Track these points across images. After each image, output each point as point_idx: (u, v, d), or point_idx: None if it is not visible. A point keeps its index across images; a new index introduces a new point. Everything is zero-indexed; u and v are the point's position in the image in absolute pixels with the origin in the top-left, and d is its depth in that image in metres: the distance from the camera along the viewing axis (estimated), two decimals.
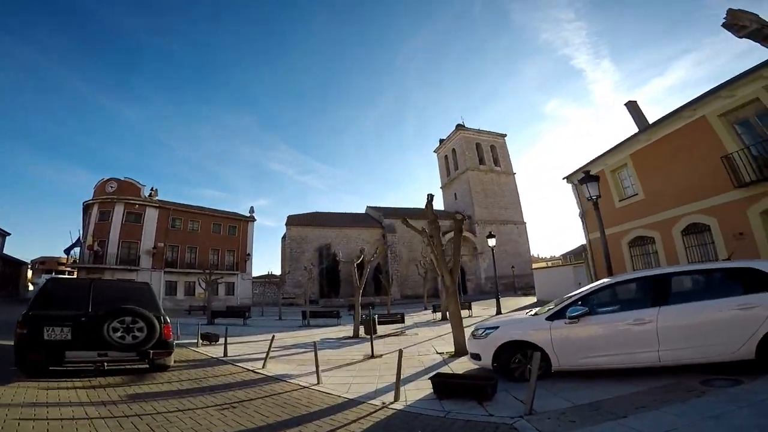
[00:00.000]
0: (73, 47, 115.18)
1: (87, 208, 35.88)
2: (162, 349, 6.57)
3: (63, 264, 56.70)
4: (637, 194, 14.85)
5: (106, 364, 6.38)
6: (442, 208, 57.25)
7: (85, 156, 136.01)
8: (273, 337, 8.51)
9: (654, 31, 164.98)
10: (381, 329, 13.28)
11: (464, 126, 58.37)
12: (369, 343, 8.98)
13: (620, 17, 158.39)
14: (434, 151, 65.80)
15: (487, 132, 59.55)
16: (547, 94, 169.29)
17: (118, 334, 6.04)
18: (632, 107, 17.82)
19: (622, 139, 15.50)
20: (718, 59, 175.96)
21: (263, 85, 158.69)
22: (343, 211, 52.60)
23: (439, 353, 8.63)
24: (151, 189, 42.58)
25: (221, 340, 9.65)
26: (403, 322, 15.45)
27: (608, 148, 16.34)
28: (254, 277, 41.39)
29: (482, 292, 45.23)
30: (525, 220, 55.50)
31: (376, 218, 49.60)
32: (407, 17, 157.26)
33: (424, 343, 10.42)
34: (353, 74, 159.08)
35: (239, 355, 8.91)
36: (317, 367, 6.25)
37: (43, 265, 64.02)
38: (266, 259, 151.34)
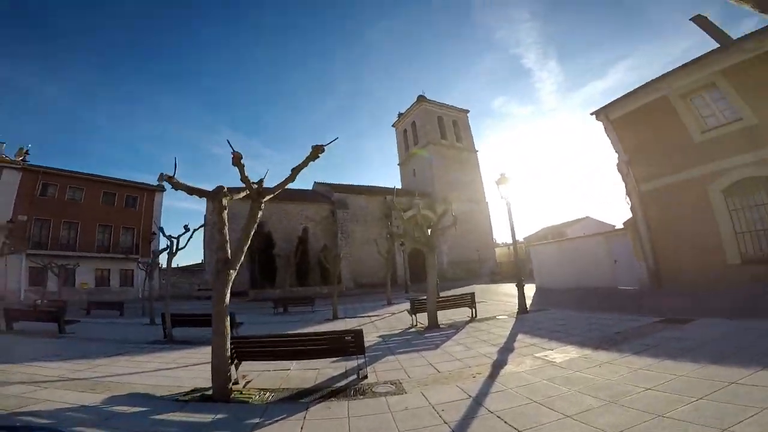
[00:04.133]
0: None
1: None
2: None
3: None
4: (741, 119, 9.27)
5: None
6: (399, 186, 51.21)
7: None
8: None
9: (599, 35, 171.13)
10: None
11: (426, 98, 52.30)
12: None
13: (570, 20, 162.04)
14: (392, 126, 59.31)
15: (450, 106, 54.11)
16: (495, 90, 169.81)
17: None
18: (702, 22, 12.20)
19: (697, 56, 10.18)
20: (651, 66, 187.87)
21: (208, 64, 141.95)
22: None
23: None
24: (20, 149, 31.77)
25: None
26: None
27: (672, 69, 10.89)
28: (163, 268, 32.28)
29: (445, 279, 39.92)
30: (487, 200, 51.11)
31: (324, 193, 42.13)
32: (369, 6, 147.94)
33: None
34: (310, 58, 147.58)
35: None
36: None
37: None
38: (191, 250, 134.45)
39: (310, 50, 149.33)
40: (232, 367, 5.04)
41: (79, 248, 27.74)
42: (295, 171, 5.46)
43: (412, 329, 9.38)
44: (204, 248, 33.88)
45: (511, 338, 7.35)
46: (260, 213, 5.62)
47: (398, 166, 56.19)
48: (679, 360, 4.73)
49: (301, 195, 41.18)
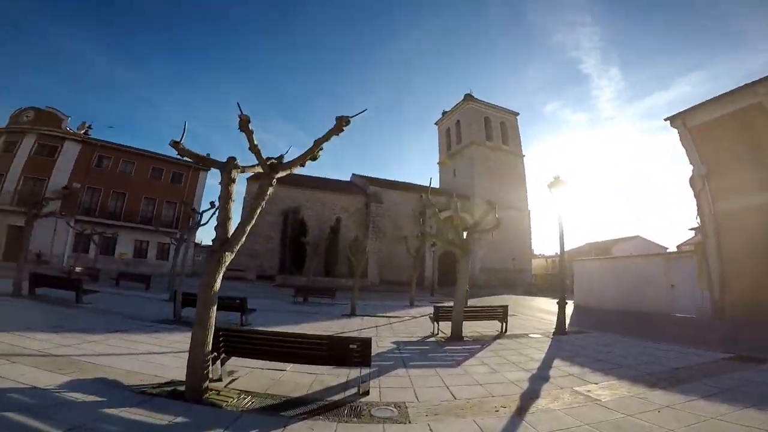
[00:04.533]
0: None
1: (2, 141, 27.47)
2: None
3: None
4: None
5: None
6: (438, 186, 49.93)
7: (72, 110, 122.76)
8: None
9: (670, 43, 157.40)
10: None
11: (473, 96, 50.40)
12: None
13: (637, 25, 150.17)
14: (435, 123, 57.94)
15: (498, 107, 51.85)
16: (548, 95, 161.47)
17: None
18: None
19: None
20: (725, 78, 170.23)
21: (264, 54, 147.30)
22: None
23: None
24: (83, 123, 34.01)
25: None
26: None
27: None
28: (199, 244, 33.45)
29: (475, 286, 38.30)
30: (530, 208, 48.55)
31: (361, 186, 41.75)
32: (417, 5, 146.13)
33: None
34: (357, 54, 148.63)
35: None
36: None
37: None
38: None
39: (355, 46, 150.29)
40: (218, 363, 4.43)
41: (124, 218, 29.14)
42: (317, 143, 4.77)
43: (432, 338, 8.39)
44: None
45: (546, 363, 6.26)
46: (271, 190, 4.97)
47: (437, 165, 54.74)
48: (766, 410, 3.60)
49: (337, 185, 41.14)
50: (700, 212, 10.10)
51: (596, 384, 4.99)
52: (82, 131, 32.34)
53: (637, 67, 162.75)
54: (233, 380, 4.57)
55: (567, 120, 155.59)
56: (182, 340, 6.69)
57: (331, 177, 51.62)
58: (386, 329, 9.48)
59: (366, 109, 4.78)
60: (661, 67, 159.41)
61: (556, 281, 56.25)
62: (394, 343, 7.64)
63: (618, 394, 4.52)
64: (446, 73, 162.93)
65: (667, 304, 12.13)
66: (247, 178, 35.57)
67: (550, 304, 21.86)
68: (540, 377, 5.42)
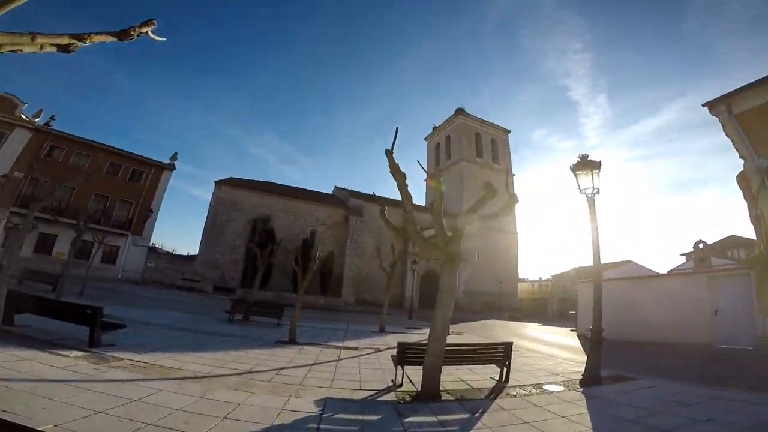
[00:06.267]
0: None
1: None
2: None
3: None
4: None
5: None
6: (423, 204, 47.68)
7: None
8: None
9: (656, 69, 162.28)
10: None
11: (465, 111, 49.09)
12: None
13: (626, 53, 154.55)
14: (425, 139, 56.41)
15: (490, 123, 50.60)
16: (537, 120, 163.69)
17: None
18: None
19: None
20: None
21: (262, 69, 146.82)
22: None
23: None
24: (39, 111, 30.94)
25: None
26: None
27: None
28: (153, 247, 30.04)
29: (458, 309, 35.48)
30: (517, 230, 46.58)
31: (342, 198, 39.09)
32: (415, 24, 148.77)
33: None
34: (352, 70, 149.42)
35: None
36: None
37: None
38: (189, 237, 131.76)
39: (349, 63, 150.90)
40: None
41: (67, 215, 25.73)
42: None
43: (389, 394, 5.30)
44: (202, 237, 31.35)
45: None
46: None
47: (425, 182, 52.69)
48: None
49: (315, 196, 38.37)
50: (756, 216, 7.74)
51: None
52: (37, 119, 29.19)
53: (624, 93, 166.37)
54: None
55: (554, 147, 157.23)
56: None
57: (307, 186, 48.81)
58: (326, 370, 6.48)
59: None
60: (647, 94, 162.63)
61: (541, 306, 53.97)
62: (319, 403, 4.56)
63: None
64: (436, 93, 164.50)
65: (708, 333, 9.90)
66: (214, 182, 32.60)
67: (544, 332, 19.30)
68: None
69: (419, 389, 5.32)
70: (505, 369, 6.28)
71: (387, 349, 9.42)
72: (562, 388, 6.09)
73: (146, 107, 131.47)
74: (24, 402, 3.39)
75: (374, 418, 4.20)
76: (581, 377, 6.50)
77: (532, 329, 21.51)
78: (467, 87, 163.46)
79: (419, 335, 14.10)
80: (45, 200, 9.35)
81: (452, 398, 5.19)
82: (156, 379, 4.74)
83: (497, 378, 6.36)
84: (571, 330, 19.85)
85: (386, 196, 45.63)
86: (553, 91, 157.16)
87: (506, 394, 5.60)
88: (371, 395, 5.11)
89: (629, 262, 45.84)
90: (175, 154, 32.25)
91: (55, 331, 6.55)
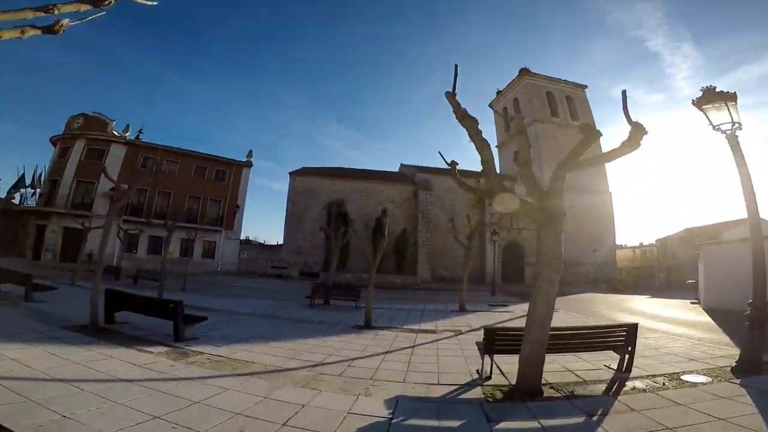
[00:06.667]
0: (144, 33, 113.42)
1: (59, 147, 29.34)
2: None
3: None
4: None
5: None
6: (498, 172, 44.65)
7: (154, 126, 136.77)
8: None
9: (750, 11, 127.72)
10: None
11: (530, 71, 44.15)
12: None
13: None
14: (489, 105, 52.21)
15: (561, 80, 45.03)
16: (614, 76, 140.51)
17: None
18: None
19: None
20: None
21: (317, 62, 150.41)
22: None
23: None
24: (127, 126, 35.05)
25: None
26: None
27: None
28: (246, 239, 32.62)
29: None
30: (611, 190, 41.28)
31: (409, 175, 38.28)
32: None
33: None
34: (407, 42, 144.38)
35: None
36: None
37: None
38: (276, 228, 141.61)
39: (406, 32, 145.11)
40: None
41: (170, 217, 28.96)
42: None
43: (476, 389, 4.39)
44: (285, 226, 33.22)
45: None
46: None
47: (496, 149, 49.18)
48: None
49: (382, 175, 38.15)
50: None
51: None
52: (126, 134, 33.00)
53: (713, 41, 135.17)
54: None
55: (640, 101, 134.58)
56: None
57: (373, 167, 48.83)
58: (400, 360, 5.79)
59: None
60: (741, 41, 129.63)
61: (644, 276, 47.50)
62: (390, 403, 3.80)
63: None
64: (497, 58, 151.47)
65: None
66: (289, 173, 34.10)
67: (656, 305, 16.66)
68: None
69: (513, 383, 4.40)
70: (627, 357, 5.02)
71: (469, 331, 8.54)
72: (708, 379, 4.69)
73: (221, 110, 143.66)
74: (85, 406, 3.30)
75: (455, 424, 3.42)
76: (734, 364, 4.99)
77: (640, 302, 18.76)
78: (529, 47, 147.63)
79: (506, 313, 12.90)
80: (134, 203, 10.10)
81: (558, 395, 4.19)
82: (226, 375, 4.56)
83: (615, 366, 5.14)
84: (691, 303, 16.85)
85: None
86: (627, 44, 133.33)
87: (632, 388, 4.41)
88: (451, 391, 4.33)
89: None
90: (250, 151, 34.35)
91: (149, 327, 6.91)
